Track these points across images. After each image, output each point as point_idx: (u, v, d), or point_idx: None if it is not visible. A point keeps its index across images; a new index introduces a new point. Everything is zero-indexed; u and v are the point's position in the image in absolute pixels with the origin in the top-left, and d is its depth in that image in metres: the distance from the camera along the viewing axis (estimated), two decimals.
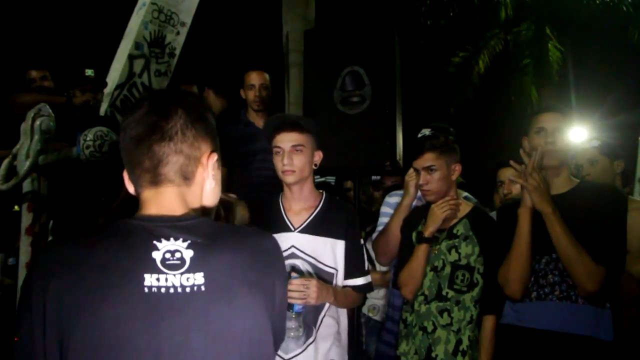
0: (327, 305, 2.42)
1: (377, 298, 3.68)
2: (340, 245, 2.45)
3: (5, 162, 3.40)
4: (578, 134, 2.74)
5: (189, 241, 1.19)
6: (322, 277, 2.42)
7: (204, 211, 1.31)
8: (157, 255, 1.17)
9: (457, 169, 2.66)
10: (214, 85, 4.40)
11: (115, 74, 4.73)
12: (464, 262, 2.57)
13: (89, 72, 3.97)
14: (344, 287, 2.47)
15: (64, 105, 3.88)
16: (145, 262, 1.16)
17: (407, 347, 2.63)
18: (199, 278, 1.17)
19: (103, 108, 4.50)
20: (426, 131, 2.77)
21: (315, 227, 2.45)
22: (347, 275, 2.47)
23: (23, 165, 3.33)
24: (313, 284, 2.26)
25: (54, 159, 3.43)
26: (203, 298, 1.16)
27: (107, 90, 4.55)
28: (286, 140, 2.40)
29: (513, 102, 12.21)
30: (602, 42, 11.27)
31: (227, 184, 3.99)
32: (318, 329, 2.41)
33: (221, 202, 1.46)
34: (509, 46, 12.85)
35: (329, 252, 2.43)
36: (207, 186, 1.30)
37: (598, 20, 11.28)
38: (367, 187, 4.35)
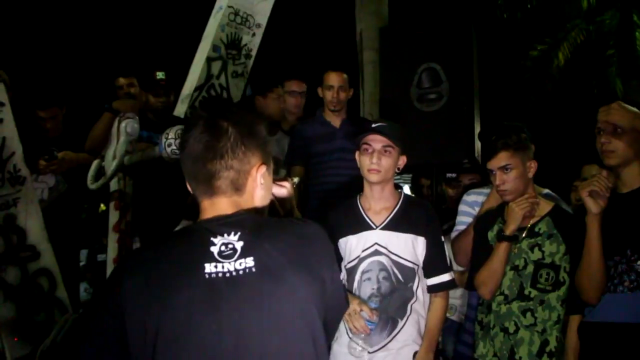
0: (414, 297, 2.50)
1: (453, 297, 3.60)
2: (420, 241, 2.52)
3: (95, 163, 3.55)
4: None
5: (239, 233, 1.34)
6: (404, 273, 2.49)
7: (256, 211, 1.44)
8: (214, 249, 1.33)
9: (533, 165, 2.60)
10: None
11: (194, 76, 4.85)
12: (548, 260, 2.50)
13: (160, 74, 4.09)
14: (429, 287, 2.54)
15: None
16: (205, 254, 1.32)
17: (485, 350, 2.58)
18: (249, 261, 1.32)
19: (183, 109, 4.64)
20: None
21: (396, 224, 2.52)
22: (432, 273, 2.53)
23: (110, 166, 3.47)
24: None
25: (138, 158, 3.55)
26: (254, 278, 1.31)
27: (187, 92, 4.68)
28: (378, 140, 2.48)
29: (596, 96, 11.71)
30: None
31: (303, 182, 4.04)
32: (406, 320, 2.48)
33: (277, 199, 1.61)
34: (591, 37, 12.31)
35: (410, 248, 2.51)
36: (256, 194, 1.43)
37: None
38: (440, 184, 4.29)
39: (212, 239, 1.33)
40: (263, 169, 1.41)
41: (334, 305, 1.44)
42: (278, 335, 1.30)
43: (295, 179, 1.80)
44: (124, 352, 1.28)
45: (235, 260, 1.31)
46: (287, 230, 1.42)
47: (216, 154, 1.35)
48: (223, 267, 1.30)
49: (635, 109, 2.30)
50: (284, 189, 1.65)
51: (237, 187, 1.39)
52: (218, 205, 1.39)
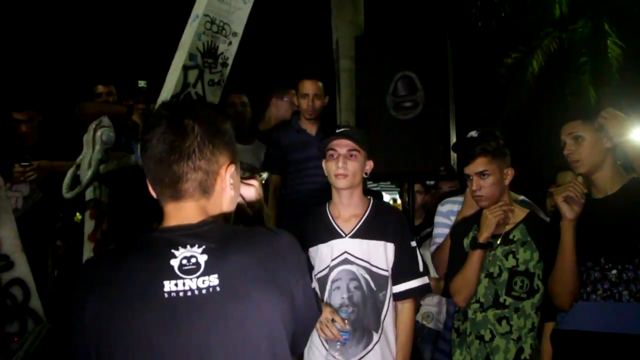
0: (386, 307, 2.47)
1: (431, 305, 3.63)
2: (390, 247, 2.48)
3: (70, 171, 3.52)
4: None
5: (203, 246, 1.25)
6: (377, 282, 2.46)
7: (225, 216, 1.37)
8: (174, 263, 1.24)
9: (510, 173, 2.61)
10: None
11: (170, 84, 4.82)
12: (522, 268, 2.51)
13: (142, 83, 4.08)
14: (395, 294, 2.50)
15: (123, 116, 4.00)
16: (164, 270, 1.23)
17: (462, 357, 2.59)
18: (213, 279, 1.23)
19: None
20: (473, 133, 2.74)
21: (366, 231, 2.49)
22: (399, 280, 2.49)
23: (85, 175, 3.44)
24: None
25: (114, 167, 3.53)
26: (219, 297, 1.23)
27: (163, 100, 4.67)
28: (343, 144, 2.45)
29: (570, 103, 11.87)
30: None
31: (280, 190, 4.05)
32: (380, 334, 2.44)
33: (248, 203, 1.52)
34: (564, 45, 12.50)
35: (382, 255, 2.47)
36: (225, 196, 1.35)
37: None
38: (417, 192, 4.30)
39: (173, 250, 1.24)
40: (232, 168, 1.34)
41: (304, 316, 1.37)
42: (242, 358, 1.23)
43: (264, 175, 1.68)
44: None
45: (198, 277, 1.22)
46: (256, 242, 1.32)
47: (183, 155, 1.27)
48: (184, 284, 1.22)
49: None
50: (252, 189, 1.54)
51: (205, 189, 1.30)
52: (184, 211, 1.30)
